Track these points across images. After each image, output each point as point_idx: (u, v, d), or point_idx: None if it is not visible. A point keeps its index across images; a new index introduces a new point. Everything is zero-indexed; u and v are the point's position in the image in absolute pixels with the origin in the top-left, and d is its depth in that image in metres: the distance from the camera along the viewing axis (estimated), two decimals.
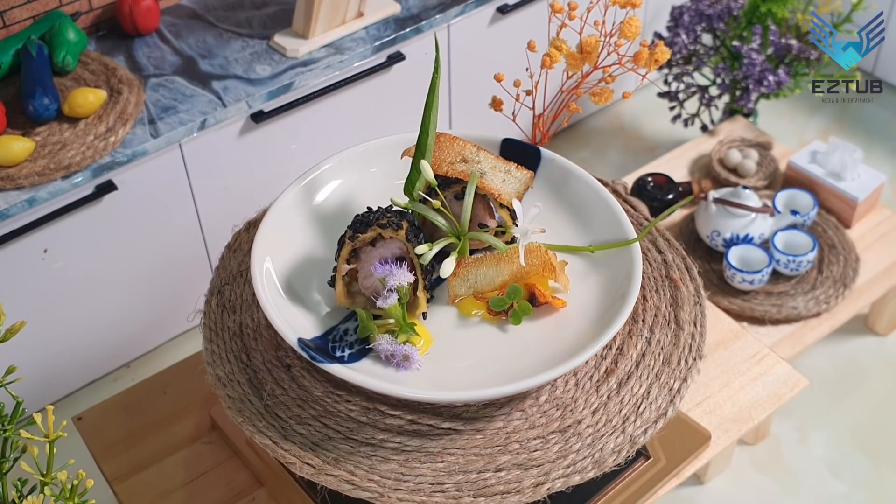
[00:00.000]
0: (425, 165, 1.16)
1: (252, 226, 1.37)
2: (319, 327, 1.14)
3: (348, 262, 1.14)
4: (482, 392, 1.04)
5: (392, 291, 1.10)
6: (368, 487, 1.05)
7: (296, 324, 1.12)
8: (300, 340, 1.08)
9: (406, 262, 1.13)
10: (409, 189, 1.19)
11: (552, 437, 1.10)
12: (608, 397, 1.13)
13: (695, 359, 1.16)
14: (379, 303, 1.10)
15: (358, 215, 1.16)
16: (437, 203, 1.17)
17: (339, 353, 1.11)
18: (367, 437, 1.09)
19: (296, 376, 1.14)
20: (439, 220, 1.17)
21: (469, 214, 1.17)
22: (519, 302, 1.16)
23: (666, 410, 1.11)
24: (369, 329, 1.12)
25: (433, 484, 1.06)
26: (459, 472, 1.07)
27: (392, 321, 1.12)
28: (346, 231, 1.15)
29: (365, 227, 1.13)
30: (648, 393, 1.13)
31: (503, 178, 1.21)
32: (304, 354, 1.06)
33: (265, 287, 1.13)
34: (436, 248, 1.13)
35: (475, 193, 1.18)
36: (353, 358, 1.10)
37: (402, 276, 1.10)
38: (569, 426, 1.11)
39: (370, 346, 1.12)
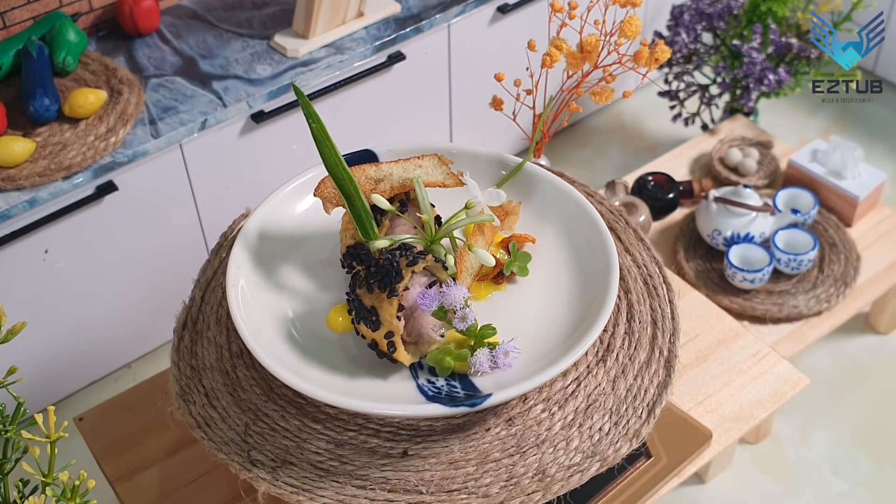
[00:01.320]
0: (380, 199, 1.12)
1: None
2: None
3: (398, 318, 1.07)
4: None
5: (461, 309, 1.07)
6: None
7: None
8: None
9: (434, 284, 1.10)
10: (367, 234, 1.12)
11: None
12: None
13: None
14: (460, 326, 1.06)
15: (372, 268, 1.07)
16: (411, 220, 1.15)
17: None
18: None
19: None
20: (419, 239, 1.13)
21: (433, 215, 1.14)
22: (519, 255, 1.18)
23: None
24: (457, 365, 1.09)
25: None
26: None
27: (443, 341, 1.11)
28: (368, 292, 1.06)
29: (399, 275, 1.05)
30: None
31: (425, 171, 1.19)
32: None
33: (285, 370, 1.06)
34: (452, 258, 1.12)
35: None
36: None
37: (457, 291, 1.07)
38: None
39: (469, 375, 1.08)
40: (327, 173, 1.15)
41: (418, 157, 1.21)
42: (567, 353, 1.05)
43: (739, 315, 1.96)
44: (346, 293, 1.12)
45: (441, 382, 1.09)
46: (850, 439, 2.01)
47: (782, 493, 1.93)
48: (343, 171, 1.12)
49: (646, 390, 1.12)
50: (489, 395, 1.02)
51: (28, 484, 0.95)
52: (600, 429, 1.09)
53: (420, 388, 1.08)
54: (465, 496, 1.05)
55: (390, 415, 1.06)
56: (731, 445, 1.77)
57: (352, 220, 1.14)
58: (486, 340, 1.09)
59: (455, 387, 1.08)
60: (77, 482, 0.93)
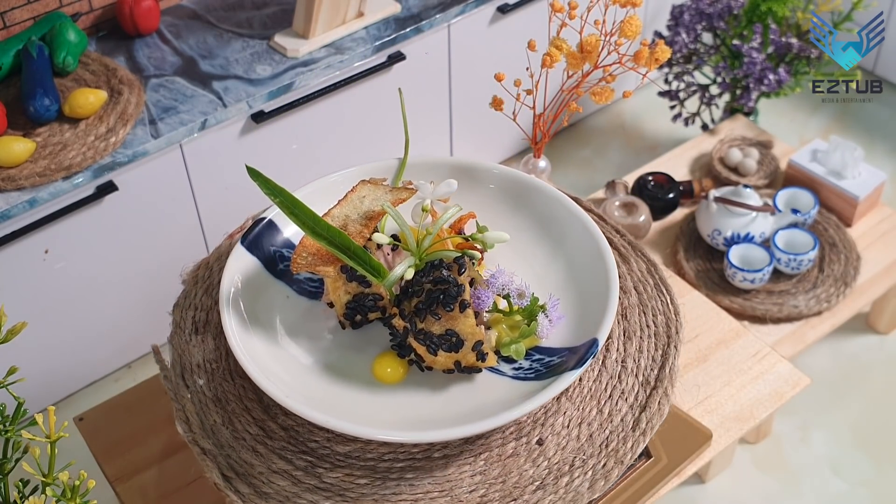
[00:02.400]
0: (380, 235, 1.12)
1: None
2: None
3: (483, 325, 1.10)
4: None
5: (517, 288, 1.11)
6: None
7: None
8: None
9: (472, 283, 1.11)
10: (378, 271, 1.10)
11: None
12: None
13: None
14: (523, 303, 1.10)
15: (423, 297, 1.06)
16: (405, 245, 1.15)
17: None
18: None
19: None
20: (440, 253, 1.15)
21: (412, 234, 1.14)
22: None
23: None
24: (529, 342, 1.11)
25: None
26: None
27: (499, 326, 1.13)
28: (436, 319, 1.05)
29: (460, 287, 1.05)
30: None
31: (373, 199, 1.16)
32: None
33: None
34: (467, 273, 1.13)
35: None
36: None
37: (503, 275, 1.11)
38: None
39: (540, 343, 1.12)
40: (302, 234, 1.13)
41: (352, 191, 1.18)
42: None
43: (739, 315, 1.96)
44: (396, 344, 1.11)
45: (526, 363, 1.10)
46: (850, 439, 2.01)
47: (782, 492, 1.93)
48: (327, 227, 1.08)
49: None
50: (594, 339, 1.06)
51: (28, 484, 0.95)
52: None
53: (516, 377, 1.09)
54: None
55: (530, 411, 1.04)
56: (731, 445, 1.77)
57: (339, 278, 1.11)
58: (538, 306, 1.11)
59: (542, 359, 1.11)
60: (77, 482, 0.93)
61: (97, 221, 1.89)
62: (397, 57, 2.14)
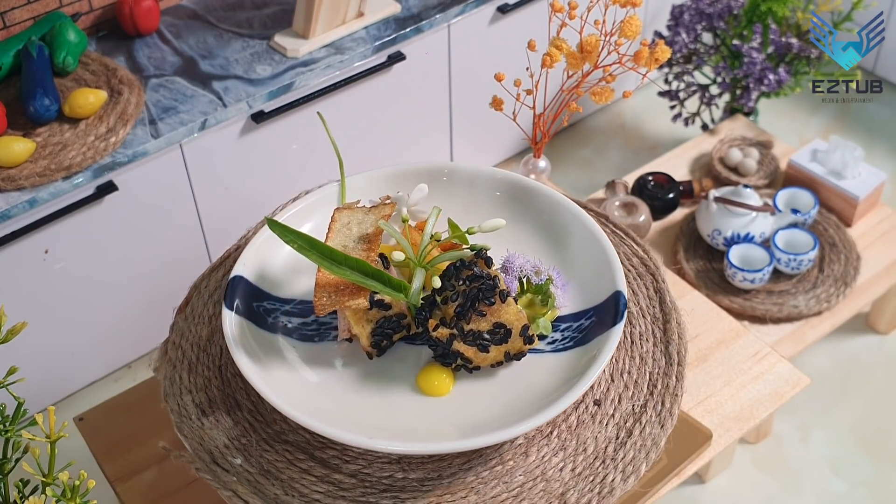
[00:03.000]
0: (398, 253, 1.11)
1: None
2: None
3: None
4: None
5: (533, 267, 1.14)
6: None
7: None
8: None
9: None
10: (401, 287, 1.10)
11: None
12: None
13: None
14: (540, 280, 1.14)
15: (460, 298, 1.07)
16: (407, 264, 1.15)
17: None
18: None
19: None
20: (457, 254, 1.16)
21: (409, 245, 1.14)
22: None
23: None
24: (552, 314, 1.14)
25: None
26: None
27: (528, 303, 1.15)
28: (481, 316, 1.06)
29: (494, 279, 1.07)
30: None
31: (361, 223, 1.15)
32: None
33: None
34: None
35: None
36: None
37: (517, 258, 1.14)
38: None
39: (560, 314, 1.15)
40: (316, 270, 1.12)
41: (333, 221, 1.16)
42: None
43: (739, 315, 1.96)
44: (440, 354, 1.10)
45: (558, 334, 1.13)
46: (850, 439, 2.01)
47: (782, 492, 1.93)
48: (345, 258, 1.08)
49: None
50: (617, 291, 1.11)
51: (28, 484, 0.95)
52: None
53: (556, 350, 1.12)
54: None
55: (599, 373, 1.05)
56: (731, 445, 1.77)
57: (361, 310, 1.09)
58: (548, 280, 1.14)
59: (570, 325, 1.13)
60: (77, 482, 0.93)
61: (97, 221, 1.89)
62: (397, 57, 2.14)
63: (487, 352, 1.08)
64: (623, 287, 1.11)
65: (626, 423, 1.11)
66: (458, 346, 1.08)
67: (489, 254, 1.12)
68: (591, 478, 1.07)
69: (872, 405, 2.08)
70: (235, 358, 1.07)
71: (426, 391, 1.10)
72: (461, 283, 1.07)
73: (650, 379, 1.14)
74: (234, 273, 1.17)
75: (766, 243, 2.03)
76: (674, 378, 1.14)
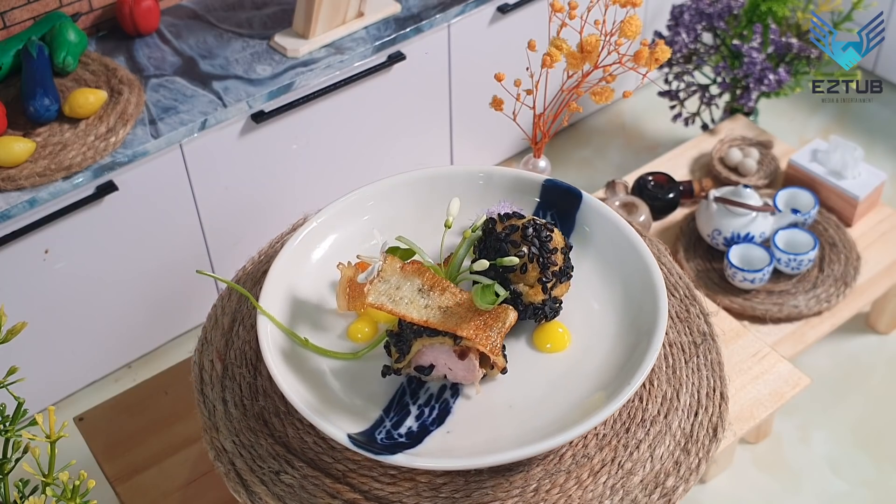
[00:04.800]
0: (482, 262, 1.13)
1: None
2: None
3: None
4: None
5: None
6: None
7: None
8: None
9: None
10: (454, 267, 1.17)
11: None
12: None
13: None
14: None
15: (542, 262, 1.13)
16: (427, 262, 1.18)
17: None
18: None
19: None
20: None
21: (457, 262, 1.18)
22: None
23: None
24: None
25: None
26: None
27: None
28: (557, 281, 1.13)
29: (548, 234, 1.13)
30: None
31: (391, 284, 1.13)
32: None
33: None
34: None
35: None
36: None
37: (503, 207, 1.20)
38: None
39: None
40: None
41: (371, 284, 1.13)
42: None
43: (740, 315, 1.96)
44: (541, 314, 1.15)
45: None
46: (850, 439, 2.01)
47: (782, 492, 1.93)
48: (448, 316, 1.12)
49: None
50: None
51: (28, 484, 0.95)
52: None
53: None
54: None
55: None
56: (731, 445, 1.77)
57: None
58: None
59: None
60: (77, 482, 0.93)
61: (97, 221, 1.89)
62: (397, 57, 2.14)
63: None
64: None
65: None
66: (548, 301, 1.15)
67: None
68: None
69: (872, 405, 2.07)
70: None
71: (547, 348, 1.15)
72: (523, 246, 1.12)
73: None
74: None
75: (766, 243, 2.03)
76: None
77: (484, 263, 1.12)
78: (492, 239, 1.16)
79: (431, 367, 1.10)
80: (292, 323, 1.17)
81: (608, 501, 1.08)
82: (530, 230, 1.13)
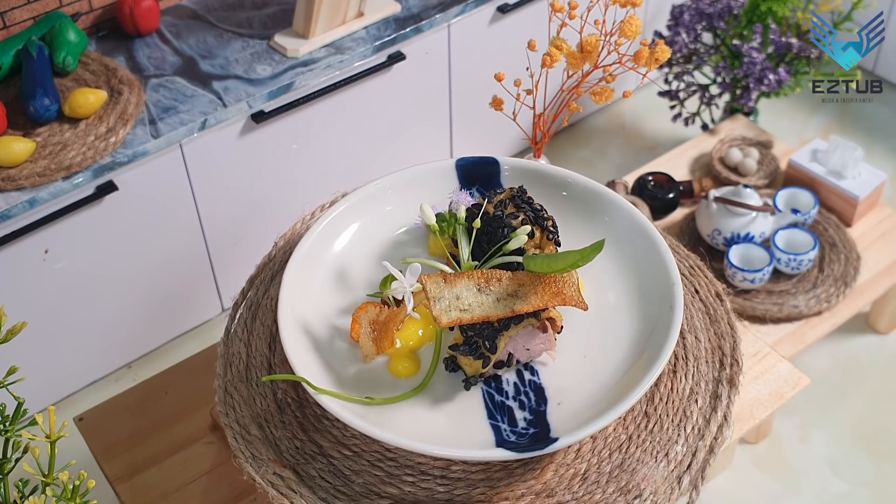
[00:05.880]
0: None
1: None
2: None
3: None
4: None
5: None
6: None
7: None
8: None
9: None
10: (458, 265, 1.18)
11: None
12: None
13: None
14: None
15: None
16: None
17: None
18: None
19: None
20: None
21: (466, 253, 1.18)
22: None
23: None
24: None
25: None
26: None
27: None
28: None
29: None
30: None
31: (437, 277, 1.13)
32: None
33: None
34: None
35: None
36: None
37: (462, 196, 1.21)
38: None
39: None
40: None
41: (432, 307, 1.11)
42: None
43: (740, 315, 1.96)
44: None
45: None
46: (850, 439, 2.01)
47: (782, 492, 1.93)
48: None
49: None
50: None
51: (28, 484, 0.95)
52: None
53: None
54: None
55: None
56: (731, 445, 1.77)
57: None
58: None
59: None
60: (77, 482, 0.93)
61: (97, 221, 1.89)
62: (397, 57, 2.14)
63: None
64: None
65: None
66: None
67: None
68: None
69: (872, 405, 2.07)
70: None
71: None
72: (514, 210, 1.16)
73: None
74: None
75: (766, 243, 2.03)
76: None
77: (522, 238, 1.15)
78: (492, 221, 1.18)
79: (510, 356, 1.11)
80: (339, 383, 1.14)
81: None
82: (516, 199, 1.18)
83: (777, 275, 2.02)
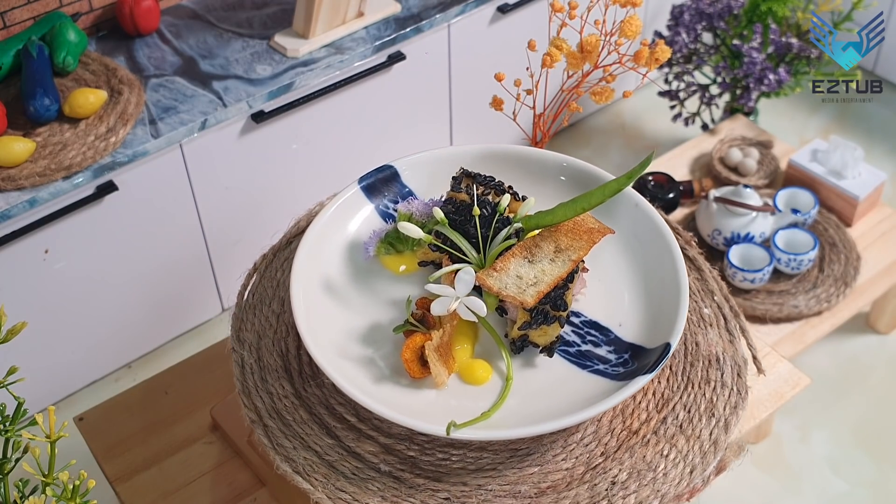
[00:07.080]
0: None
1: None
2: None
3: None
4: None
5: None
6: None
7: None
8: None
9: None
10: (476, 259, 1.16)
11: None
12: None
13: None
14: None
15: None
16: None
17: None
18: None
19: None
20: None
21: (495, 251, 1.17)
22: None
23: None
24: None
25: None
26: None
27: None
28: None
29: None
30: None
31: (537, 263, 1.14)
32: None
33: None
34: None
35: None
36: None
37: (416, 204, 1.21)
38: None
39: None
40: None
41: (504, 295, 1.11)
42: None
43: None
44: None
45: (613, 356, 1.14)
46: (850, 439, 2.01)
47: (783, 492, 1.93)
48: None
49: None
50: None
51: (28, 484, 0.95)
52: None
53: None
54: None
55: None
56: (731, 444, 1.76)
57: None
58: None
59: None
60: (77, 482, 0.93)
61: (97, 221, 1.89)
62: (397, 57, 2.14)
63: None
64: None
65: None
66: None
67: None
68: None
69: (872, 405, 2.07)
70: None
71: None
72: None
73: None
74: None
75: (766, 243, 2.03)
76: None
77: (531, 202, 1.17)
78: (470, 207, 1.19)
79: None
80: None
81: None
82: (480, 178, 1.20)
83: (777, 275, 2.02)
